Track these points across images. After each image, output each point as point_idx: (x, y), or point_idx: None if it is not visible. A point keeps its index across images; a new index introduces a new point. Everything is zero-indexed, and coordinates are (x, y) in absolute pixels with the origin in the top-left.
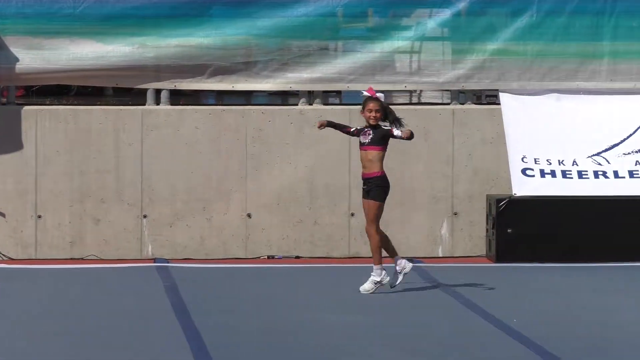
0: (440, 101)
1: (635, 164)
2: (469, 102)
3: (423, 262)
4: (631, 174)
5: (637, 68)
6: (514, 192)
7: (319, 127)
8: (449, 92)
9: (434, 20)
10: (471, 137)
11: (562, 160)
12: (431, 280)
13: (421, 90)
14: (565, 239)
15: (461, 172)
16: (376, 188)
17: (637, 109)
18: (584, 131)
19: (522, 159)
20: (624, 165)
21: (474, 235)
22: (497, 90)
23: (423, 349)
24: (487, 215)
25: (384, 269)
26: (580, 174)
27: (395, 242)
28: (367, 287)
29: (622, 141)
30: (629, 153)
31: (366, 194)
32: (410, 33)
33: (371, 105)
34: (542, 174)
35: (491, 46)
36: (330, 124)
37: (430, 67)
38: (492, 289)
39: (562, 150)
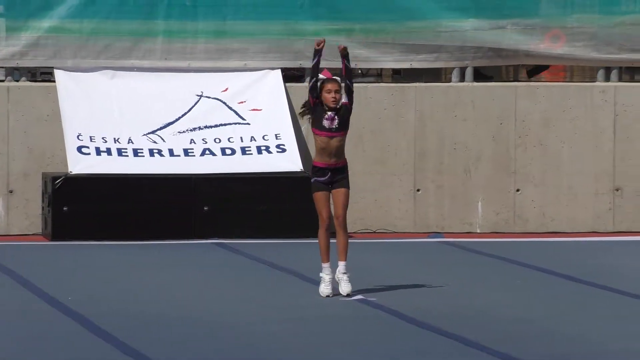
0: None
1: (190, 142)
2: (24, 79)
3: None
4: (186, 152)
5: (191, 47)
6: (69, 170)
7: (318, 45)
8: (4, 69)
9: None
10: (27, 114)
11: (118, 139)
12: None
13: None
14: (121, 217)
15: (17, 149)
16: (347, 176)
17: (192, 88)
18: (140, 109)
19: (78, 137)
20: (179, 143)
21: (30, 214)
22: (52, 67)
23: None
24: (42, 193)
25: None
26: (136, 152)
27: None
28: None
29: (177, 119)
30: (184, 131)
31: (336, 184)
32: None
33: (329, 86)
34: (98, 151)
35: (47, 23)
36: (320, 52)
37: None
38: (48, 267)
39: (118, 128)
